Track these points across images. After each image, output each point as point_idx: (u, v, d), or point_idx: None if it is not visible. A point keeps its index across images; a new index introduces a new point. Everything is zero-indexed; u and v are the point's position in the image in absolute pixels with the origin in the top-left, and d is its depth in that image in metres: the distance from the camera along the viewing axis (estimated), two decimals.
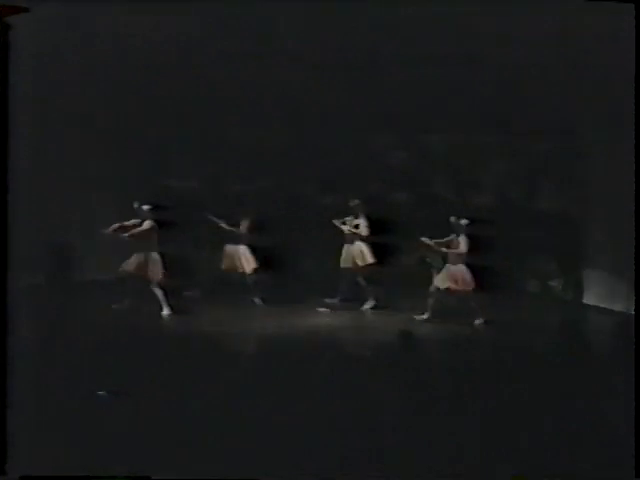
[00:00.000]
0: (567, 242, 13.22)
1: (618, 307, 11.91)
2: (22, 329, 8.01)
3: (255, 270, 12.87)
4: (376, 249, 12.79)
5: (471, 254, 12.04)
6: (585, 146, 12.77)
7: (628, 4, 8.54)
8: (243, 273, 12.89)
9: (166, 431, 7.01)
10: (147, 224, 11.96)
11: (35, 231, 12.19)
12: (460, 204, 13.48)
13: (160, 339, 10.39)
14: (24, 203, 8.75)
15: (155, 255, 12.05)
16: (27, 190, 11.24)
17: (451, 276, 11.73)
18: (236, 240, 12.88)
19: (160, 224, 12.21)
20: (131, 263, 12.06)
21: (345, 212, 12.81)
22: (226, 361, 8.78)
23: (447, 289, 11.76)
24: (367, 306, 12.65)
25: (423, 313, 11.85)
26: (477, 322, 11.67)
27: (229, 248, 12.93)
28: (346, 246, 12.74)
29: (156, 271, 12.03)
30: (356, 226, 12.64)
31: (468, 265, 11.76)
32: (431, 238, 11.74)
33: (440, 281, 11.79)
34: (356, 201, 12.64)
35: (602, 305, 12.45)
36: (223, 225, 12.77)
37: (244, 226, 12.86)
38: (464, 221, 11.69)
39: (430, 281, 11.98)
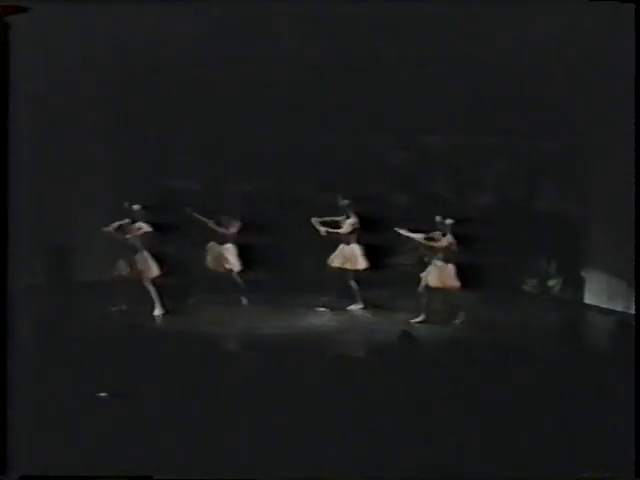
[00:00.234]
0: (567, 242, 13.21)
1: (618, 307, 11.91)
2: (22, 329, 8.01)
3: (242, 270, 12.83)
4: (376, 249, 12.78)
5: (471, 254, 12.04)
6: (585, 146, 12.76)
7: (628, 4, 8.55)
8: (231, 272, 12.84)
9: (166, 431, 7.01)
10: (145, 226, 11.97)
11: (35, 231, 12.21)
12: (460, 204, 13.47)
13: (159, 339, 10.37)
14: (24, 203, 8.76)
15: (147, 254, 12.06)
16: (27, 190, 11.27)
17: (438, 275, 11.72)
18: (223, 239, 12.84)
19: (158, 224, 12.23)
20: (124, 266, 12.11)
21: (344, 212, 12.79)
22: (226, 361, 8.77)
23: (435, 288, 11.76)
24: (356, 307, 12.63)
25: (418, 316, 11.83)
26: (457, 321, 11.66)
27: (214, 247, 12.89)
28: (341, 246, 12.67)
29: (150, 269, 12.05)
30: (337, 227, 12.53)
31: (468, 265, 11.77)
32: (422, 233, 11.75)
33: (427, 279, 11.78)
34: (346, 201, 12.58)
35: (602, 305, 12.45)
36: (211, 225, 12.73)
37: (233, 226, 12.79)
38: (449, 221, 11.68)
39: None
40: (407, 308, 12.17)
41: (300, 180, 13.90)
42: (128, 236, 11.94)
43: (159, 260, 12.16)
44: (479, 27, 12.22)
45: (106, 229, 11.91)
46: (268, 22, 12.60)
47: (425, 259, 12.37)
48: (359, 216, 12.51)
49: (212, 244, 12.88)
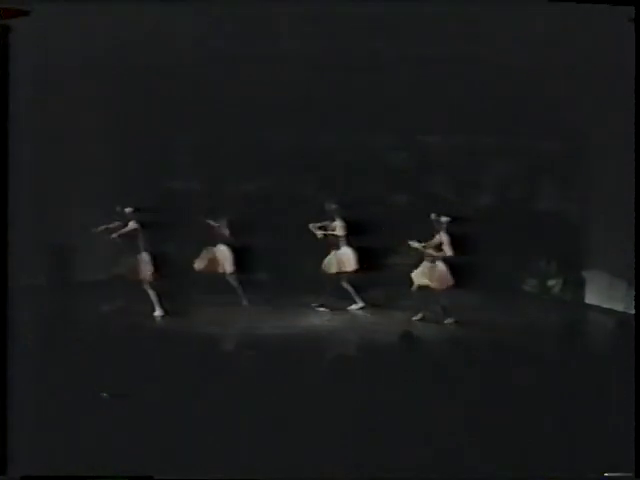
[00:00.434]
0: (567, 242, 13.21)
1: (618, 307, 11.91)
2: (22, 329, 8.02)
3: (236, 271, 12.83)
4: (376, 248, 12.79)
5: (471, 254, 12.04)
6: (585, 146, 12.76)
7: (628, 6, 8.55)
8: (224, 273, 12.84)
9: (166, 431, 7.01)
10: (131, 224, 12.01)
11: (35, 231, 12.21)
12: (460, 204, 13.47)
13: (159, 339, 10.37)
14: (24, 203, 8.77)
15: (144, 255, 12.09)
16: (27, 190, 11.28)
17: (425, 273, 11.71)
18: (217, 240, 12.83)
19: (158, 224, 12.25)
20: (121, 265, 12.15)
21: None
22: (226, 361, 8.77)
23: (426, 287, 11.76)
24: (356, 306, 12.65)
25: (417, 314, 11.85)
26: (447, 321, 11.66)
27: (208, 249, 12.88)
28: (333, 252, 12.70)
29: (145, 271, 12.06)
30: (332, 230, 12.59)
31: (468, 265, 11.77)
32: (419, 241, 11.76)
33: (418, 278, 11.79)
34: (332, 205, 12.62)
35: (602, 305, 12.45)
36: (211, 222, 12.75)
37: (223, 226, 12.78)
38: (445, 218, 11.67)
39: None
40: (407, 308, 12.17)
41: (300, 180, 13.90)
42: (114, 235, 11.98)
43: (157, 261, 12.17)
44: (479, 27, 12.22)
45: (96, 230, 11.98)
46: (268, 22, 12.60)
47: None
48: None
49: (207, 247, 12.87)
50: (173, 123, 13.45)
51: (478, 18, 12.10)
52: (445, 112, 12.83)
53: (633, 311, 10.40)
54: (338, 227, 12.55)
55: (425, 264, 11.78)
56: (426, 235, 11.89)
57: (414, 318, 11.80)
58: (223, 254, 12.79)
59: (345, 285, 12.70)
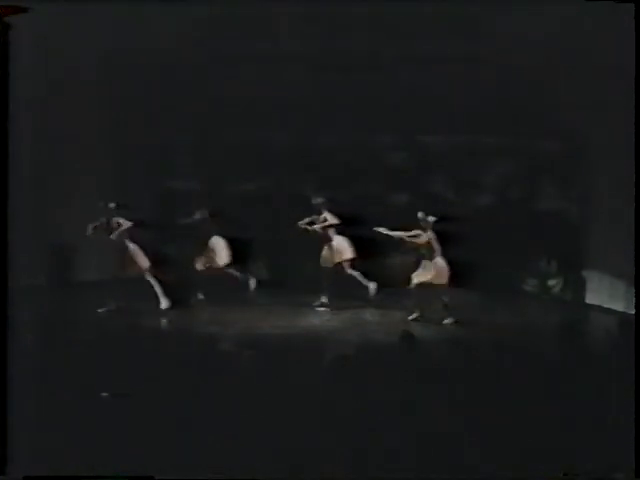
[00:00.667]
0: (567, 242, 13.21)
1: (618, 307, 11.91)
2: (22, 329, 8.02)
3: (230, 263, 12.82)
4: (375, 249, 12.78)
5: (471, 254, 12.04)
6: (585, 146, 12.76)
7: (628, 4, 8.55)
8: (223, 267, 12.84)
9: (167, 431, 7.02)
10: (123, 220, 12.05)
11: (35, 231, 12.22)
12: (460, 204, 13.47)
13: (159, 339, 10.38)
14: (24, 203, 8.76)
15: (133, 246, 12.11)
16: (27, 190, 11.29)
17: (428, 269, 11.71)
18: (210, 233, 12.84)
19: (159, 225, 12.28)
20: (120, 265, 12.22)
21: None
22: (226, 361, 8.77)
23: (427, 285, 11.75)
24: (372, 286, 12.62)
25: (412, 313, 11.85)
26: (447, 321, 11.64)
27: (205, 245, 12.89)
28: (326, 246, 12.67)
29: (141, 261, 12.09)
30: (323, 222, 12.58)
31: (468, 264, 11.76)
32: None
33: (418, 276, 11.79)
34: (319, 199, 12.60)
35: (602, 305, 12.45)
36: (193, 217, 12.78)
37: (207, 216, 12.80)
38: (431, 218, 11.66)
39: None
40: (407, 307, 12.16)
41: (300, 180, 13.89)
42: (112, 236, 12.05)
43: (148, 253, 12.21)
44: (479, 27, 12.23)
45: (88, 234, 12.05)
46: (268, 22, 12.61)
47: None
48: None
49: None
50: (173, 123, 13.45)
51: (478, 18, 12.12)
52: (445, 112, 12.83)
53: (633, 311, 10.43)
54: (329, 218, 12.51)
55: (424, 262, 11.78)
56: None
57: (410, 318, 11.79)
58: (219, 245, 12.77)
59: (350, 271, 12.64)
